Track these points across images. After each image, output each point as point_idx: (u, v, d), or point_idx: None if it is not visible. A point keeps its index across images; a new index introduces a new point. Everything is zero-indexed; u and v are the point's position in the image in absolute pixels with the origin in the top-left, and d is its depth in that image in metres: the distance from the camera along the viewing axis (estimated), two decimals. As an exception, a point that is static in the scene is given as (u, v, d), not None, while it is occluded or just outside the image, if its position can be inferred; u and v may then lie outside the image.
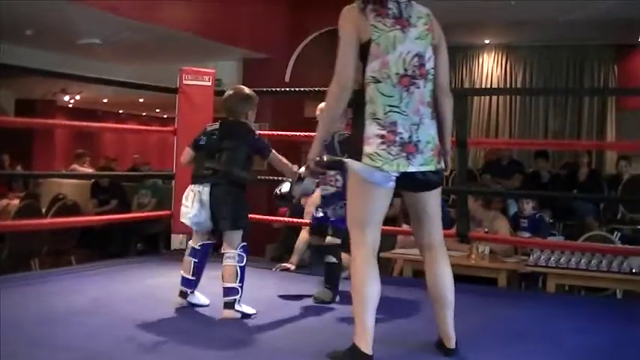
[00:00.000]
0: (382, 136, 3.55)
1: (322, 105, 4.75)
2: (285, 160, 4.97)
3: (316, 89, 6.90)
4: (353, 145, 3.68)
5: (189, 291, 4.89)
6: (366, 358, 3.56)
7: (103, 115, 20.81)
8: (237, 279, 4.63)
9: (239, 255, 4.68)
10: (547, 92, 14.78)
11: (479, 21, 11.99)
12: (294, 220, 7.32)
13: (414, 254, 7.31)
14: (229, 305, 4.62)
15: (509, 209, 9.38)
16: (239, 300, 4.65)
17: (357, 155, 3.59)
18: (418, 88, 3.63)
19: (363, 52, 3.61)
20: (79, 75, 7.58)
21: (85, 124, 12.60)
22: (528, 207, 8.14)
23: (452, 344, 3.80)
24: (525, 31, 13.02)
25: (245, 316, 4.62)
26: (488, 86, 14.38)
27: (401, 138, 3.57)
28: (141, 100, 18.12)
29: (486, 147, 13.29)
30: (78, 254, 9.92)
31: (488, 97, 14.48)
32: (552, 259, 6.72)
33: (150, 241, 11.23)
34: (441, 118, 3.83)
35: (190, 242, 5.00)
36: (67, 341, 3.92)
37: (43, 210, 9.41)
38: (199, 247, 4.92)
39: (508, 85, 14.58)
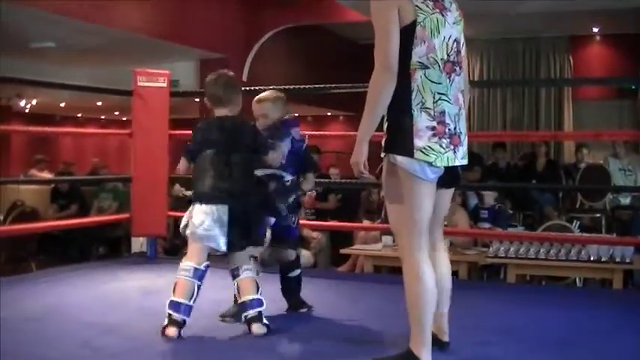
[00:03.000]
0: (433, 128, 3.32)
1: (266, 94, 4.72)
2: (278, 157, 4.55)
3: (276, 88, 6.87)
4: (399, 140, 3.36)
5: (186, 319, 4.20)
6: None
7: (61, 119, 20.62)
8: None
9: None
10: (504, 84, 14.90)
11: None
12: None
13: (375, 250, 7.37)
14: (256, 319, 4.26)
15: (469, 201, 9.43)
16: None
17: (408, 150, 3.32)
18: (458, 75, 3.47)
19: (408, 35, 3.32)
20: (31, 80, 7.51)
21: (39, 129, 12.49)
22: (489, 198, 8.21)
23: (446, 338, 3.76)
24: (480, 24, 13.07)
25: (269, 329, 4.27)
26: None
27: (449, 129, 3.38)
28: (99, 104, 17.98)
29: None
30: (38, 260, 9.84)
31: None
32: (512, 249, 6.80)
33: (111, 245, 11.17)
34: None
35: (190, 262, 4.30)
36: (17, 348, 3.87)
37: (1, 217, 9.32)
38: (204, 268, 4.32)
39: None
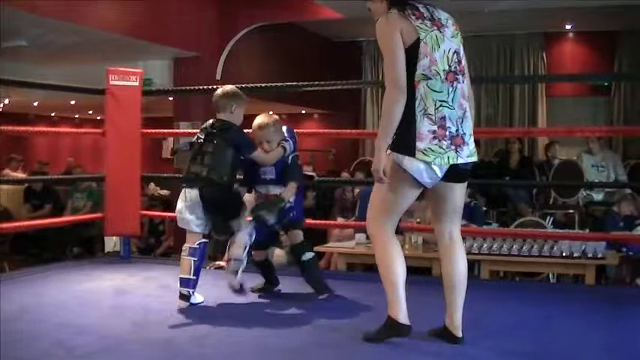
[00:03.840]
0: (434, 132, 3.73)
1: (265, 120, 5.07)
2: (274, 154, 5.06)
3: (249, 85, 6.87)
4: (403, 142, 3.76)
5: (191, 291, 4.88)
6: (406, 328, 3.88)
7: (34, 118, 20.48)
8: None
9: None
10: (478, 81, 14.93)
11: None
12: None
13: (349, 247, 7.38)
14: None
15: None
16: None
17: (410, 151, 3.73)
18: (460, 83, 3.84)
19: (412, 52, 3.74)
20: (2, 79, 7.45)
21: (12, 128, 12.41)
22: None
23: (460, 332, 3.96)
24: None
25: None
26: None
27: (450, 132, 3.76)
28: (72, 102, 17.85)
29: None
30: (12, 260, 9.79)
31: (420, 88, 14.53)
32: (485, 246, 6.84)
33: (85, 245, 11.14)
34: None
35: (185, 244, 4.96)
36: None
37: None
38: (197, 246, 4.91)
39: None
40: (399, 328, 3.88)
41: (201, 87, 7.64)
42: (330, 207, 10.72)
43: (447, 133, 3.75)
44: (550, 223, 8.43)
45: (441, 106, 3.75)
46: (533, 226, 7.98)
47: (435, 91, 3.75)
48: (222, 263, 6.44)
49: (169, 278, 5.82)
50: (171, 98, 11.91)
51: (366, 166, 11.66)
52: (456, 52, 3.86)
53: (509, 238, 6.99)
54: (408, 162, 3.74)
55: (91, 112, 20.75)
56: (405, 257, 4.03)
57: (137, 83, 7.02)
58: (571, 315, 4.78)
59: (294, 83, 7.08)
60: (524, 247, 6.76)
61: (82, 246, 11.14)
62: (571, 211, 9.86)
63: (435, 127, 3.73)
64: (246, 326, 4.38)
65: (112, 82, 6.94)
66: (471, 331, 4.03)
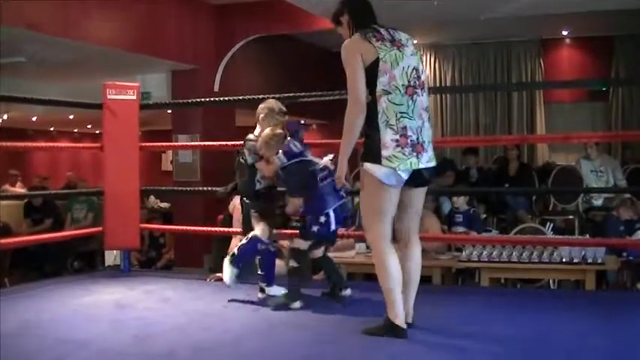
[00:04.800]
0: (397, 140, 4.13)
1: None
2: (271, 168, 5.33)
3: (247, 97, 6.88)
4: (371, 151, 4.19)
5: (263, 285, 5.46)
6: (402, 331, 4.20)
7: (34, 133, 20.49)
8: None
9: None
10: (476, 89, 14.98)
11: (405, 21, 12.05)
12: (227, 230, 7.25)
13: (349, 257, 7.39)
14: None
15: (442, 207, 9.47)
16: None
17: (377, 159, 4.14)
18: (419, 96, 4.24)
19: (373, 70, 4.17)
20: (1, 95, 7.47)
21: (11, 144, 12.40)
22: (462, 202, 8.28)
23: (410, 319, 4.35)
24: (451, 30, 13.18)
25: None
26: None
27: (411, 140, 4.15)
28: (71, 117, 17.87)
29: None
30: (12, 275, 9.79)
31: (418, 97, 14.50)
32: (484, 253, 6.83)
33: (86, 259, 11.13)
34: None
35: None
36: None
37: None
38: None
39: (437, 84, 14.71)
40: (396, 330, 4.18)
41: (198, 100, 7.65)
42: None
43: (409, 141, 4.14)
44: (550, 229, 8.42)
45: (402, 117, 4.14)
46: (533, 232, 7.97)
47: (396, 104, 4.15)
48: (222, 275, 6.43)
49: (170, 291, 5.84)
50: (169, 111, 11.92)
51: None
52: (415, 69, 4.26)
53: (508, 244, 6.98)
54: (377, 169, 4.15)
55: (89, 126, 20.77)
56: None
57: (134, 97, 7.04)
58: (571, 320, 4.78)
59: (292, 94, 7.09)
60: (524, 254, 6.75)
61: (82, 260, 11.13)
62: (570, 216, 9.83)
63: (397, 137, 4.12)
64: (248, 339, 4.39)
65: (109, 97, 6.96)
66: (471, 339, 4.04)
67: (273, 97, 6.31)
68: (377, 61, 4.16)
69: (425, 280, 6.87)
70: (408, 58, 4.25)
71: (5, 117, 16.31)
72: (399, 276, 4.23)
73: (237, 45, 11.45)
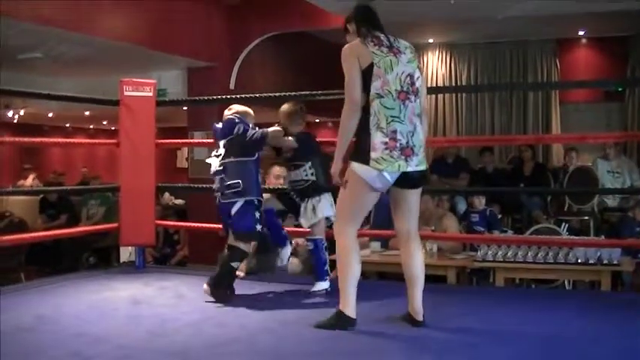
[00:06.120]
0: (385, 143, 4.26)
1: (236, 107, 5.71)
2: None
3: (263, 95, 6.87)
4: (360, 152, 4.33)
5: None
6: (351, 321, 4.38)
7: (49, 129, 20.57)
8: None
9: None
10: (492, 89, 14.91)
11: (421, 20, 12.05)
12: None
13: (363, 256, 7.37)
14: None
15: (457, 207, 9.45)
16: None
17: (365, 160, 4.27)
18: (411, 102, 4.37)
19: (367, 74, 4.30)
20: (18, 90, 7.49)
21: (28, 139, 12.47)
22: (479, 201, 8.28)
23: (420, 317, 4.45)
24: (467, 29, 13.13)
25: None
26: (434, 85, 14.41)
27: (400, 144, 4.28)
28: (87, 113, 17.95)
29: (434, 146, 13.30)
30: (28, 271, 9.82)
31: (434, 96, 14.47)
32: (499, 253, 6.82)
33: (101, 255, 11.17)
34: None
35: None
36: (9, 359, 3.87)
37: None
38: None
39: (453, 83, 14.65)
40: (345, 320, 4.39)
41: (214, 97, 7.65)
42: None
43: (398, 144, 4.27)
44: (565, 229, 8.40)
45: (392, 121, 4.28)
46: (548, 232, 7.95)
47: (387, 107, 4.29)
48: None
49: (184, 288, 5.85)
50: (185, 108, 11.94)
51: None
52: (410, 75, 4.40)
53: (524, 245, 6.97)
54: (364, 170, 4.29)
55: (105, 122, 20.84)
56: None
57: (151, 94, 7.05)
58: (586, 321, 4.77)
59: (308, 92, 7.08)
60: (539, 254, 6.73)
61: (97, 256, 11.17)
62: (586, 217, 9.79)
63: (386, 139, 4.26)
64: (262, 335, 4.40)
65: (125, 93, 6.97)
66: (485, 338, 4.03)
67: (289, 95, 6.33)
68: (371, 65, 4.31)
69: (440, 279, 6.94)
70: (404, 65, 4.40)
71: (22, 113, 16.38)
72: (357, 271, 4.42)
73: (253, 43, 11.46)
